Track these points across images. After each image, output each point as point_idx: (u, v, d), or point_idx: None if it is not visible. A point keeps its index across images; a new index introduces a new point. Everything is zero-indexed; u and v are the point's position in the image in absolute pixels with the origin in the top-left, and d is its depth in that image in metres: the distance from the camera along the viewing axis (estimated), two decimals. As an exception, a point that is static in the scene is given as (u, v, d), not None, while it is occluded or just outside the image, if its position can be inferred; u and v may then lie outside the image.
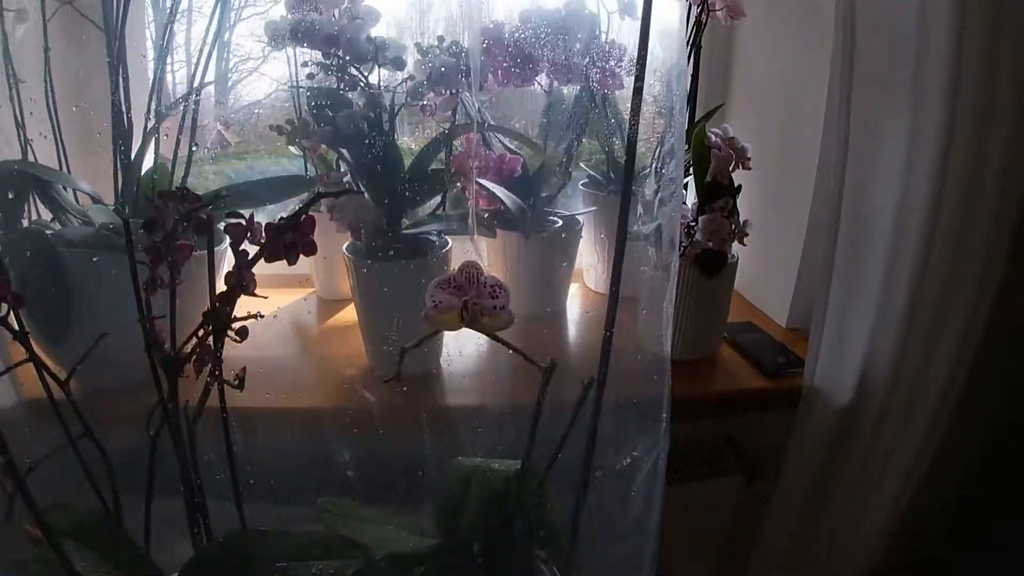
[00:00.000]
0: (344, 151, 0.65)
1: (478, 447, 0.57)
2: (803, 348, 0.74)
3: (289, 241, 0.36)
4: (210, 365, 0.42)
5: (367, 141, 0.63)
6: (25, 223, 0.65)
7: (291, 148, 0.76)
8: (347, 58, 0.60)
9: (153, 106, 0.64)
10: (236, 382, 0.40)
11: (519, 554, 0.51)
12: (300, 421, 0.65)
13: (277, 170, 0.82)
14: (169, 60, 0.66)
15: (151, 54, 0.66)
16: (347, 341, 0.76)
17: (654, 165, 0.59)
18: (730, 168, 0.66)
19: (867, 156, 0.64)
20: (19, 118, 0.64)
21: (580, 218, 0.79)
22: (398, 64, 0.60)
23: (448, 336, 0.72)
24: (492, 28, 0.67)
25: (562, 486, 0.50)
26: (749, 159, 0.66)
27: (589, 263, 0.84)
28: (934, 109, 0.58)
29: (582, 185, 0.83)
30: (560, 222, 0.77)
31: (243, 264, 0.36)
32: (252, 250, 0.37)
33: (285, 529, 0.49)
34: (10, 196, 0.64)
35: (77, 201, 0.69)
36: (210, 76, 0.67)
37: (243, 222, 0.37)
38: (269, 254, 0.37)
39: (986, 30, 0.56)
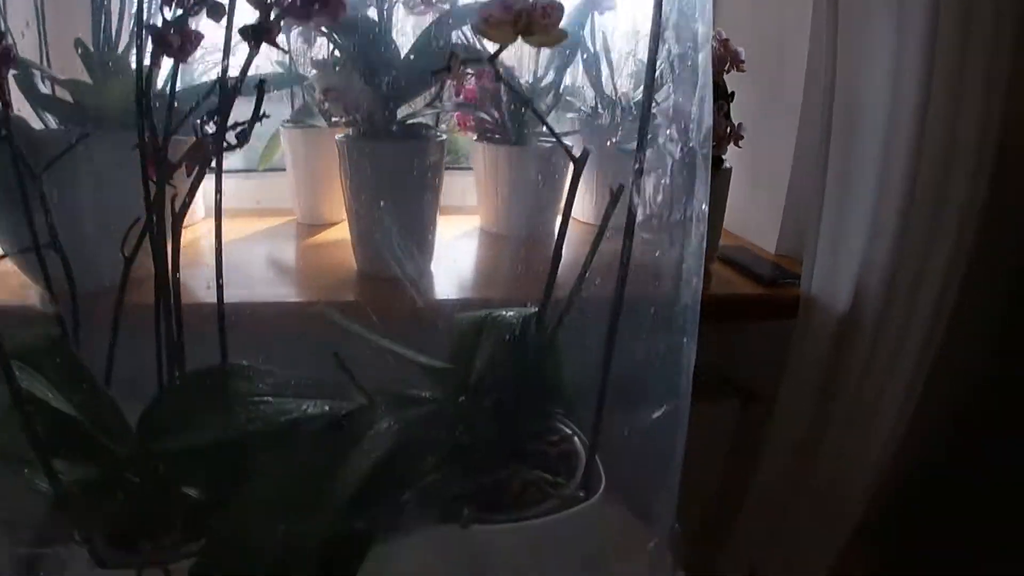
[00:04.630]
0: (339, 38, 0.63)
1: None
2: (795, 270, 0.74)
3: None
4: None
5: (365, 30, 0.62)
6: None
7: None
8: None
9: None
10: (235, 141, 0.37)
11: (532, 406, 0.47)
12: (289, 314, 0.60)
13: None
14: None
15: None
16: (332, 254, 0.73)
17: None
18: (725, 69, 0.67)
19: (855, 68, 0.65)
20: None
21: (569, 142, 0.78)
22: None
23: (440, 240, 0.69)
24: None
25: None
26: (743, 61, 0.67)
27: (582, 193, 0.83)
28: (917, 18, 0.60)
29: (570, 115, 0.83)
30: (549, 144, 0.77)
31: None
32: None
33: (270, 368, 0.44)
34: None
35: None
36: None
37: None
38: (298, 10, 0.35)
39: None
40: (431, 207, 0.65)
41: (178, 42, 0.37)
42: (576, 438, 0.48)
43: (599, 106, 0.83)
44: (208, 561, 0.37)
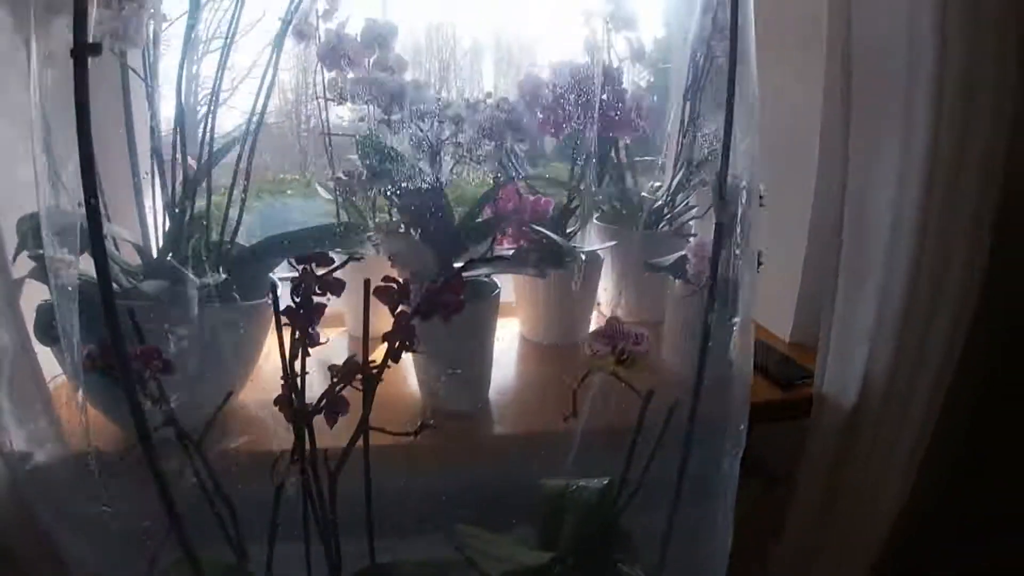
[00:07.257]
0: (397, 200, 0.69)
1: (544, 468, 0.62)
2: (807, 359, 0.82)
3: (445, 300, 0.41)
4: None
5: (419, 190, 0.67)
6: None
7: (321, 192, 0.80)
8: (412, 114, 0.64)
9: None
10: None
11: (608, 562, 0.56)
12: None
13: (294, 210, 0.85)
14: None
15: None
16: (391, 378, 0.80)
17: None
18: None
19: (864, 173, 0.72)
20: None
21: (600, 252, 0.85)
22: (457, 121, 0.65)
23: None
24: (528, 81, 0.73)
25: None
26: (763, 197, 0.74)
27: (611, 295, 0.90)
28: (921, 127, 0.66)
29: (596, 219, 0.90)
30: (584, 257, 0.83)
31: (404, 323, 0.40)
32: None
33: (406, 559, 0.52)
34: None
35: (118, 249, 0.69)
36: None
37: (394, 286, 0.41)
38: (425, 312, 0.41)
39: (965, 58, 0.64)
40: (488, 351, 0.72)
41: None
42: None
43: (623, 210, 0.90)
44: None
